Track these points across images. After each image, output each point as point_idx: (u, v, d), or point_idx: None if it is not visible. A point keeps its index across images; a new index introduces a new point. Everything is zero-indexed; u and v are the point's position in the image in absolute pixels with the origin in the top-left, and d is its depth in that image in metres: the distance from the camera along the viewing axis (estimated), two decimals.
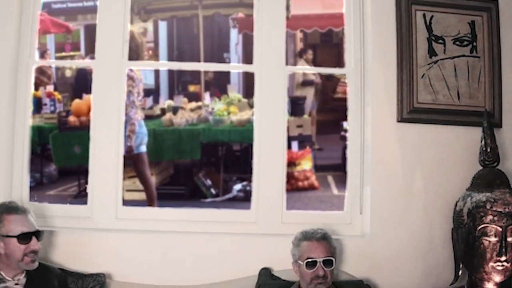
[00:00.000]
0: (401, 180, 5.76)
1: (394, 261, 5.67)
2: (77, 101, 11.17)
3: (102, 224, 5.76)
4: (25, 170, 5.78)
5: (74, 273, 5.37)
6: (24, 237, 4.76)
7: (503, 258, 4.95)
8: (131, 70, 8.50)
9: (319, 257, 4.84)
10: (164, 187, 11.29)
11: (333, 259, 4.90)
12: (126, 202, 5.98)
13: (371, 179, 5.80)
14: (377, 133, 5.69)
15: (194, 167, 11.57)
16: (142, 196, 9.99)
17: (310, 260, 4.87)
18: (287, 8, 5.69)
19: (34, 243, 4.79)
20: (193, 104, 12.44)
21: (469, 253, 5.08)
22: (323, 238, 4.95)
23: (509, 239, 4.92)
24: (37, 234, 4.85)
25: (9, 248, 4.76)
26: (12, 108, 5.69)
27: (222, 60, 10.44)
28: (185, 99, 12.74)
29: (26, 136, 5.81)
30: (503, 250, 4.92)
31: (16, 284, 4.86)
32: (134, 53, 8.01)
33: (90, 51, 5.68)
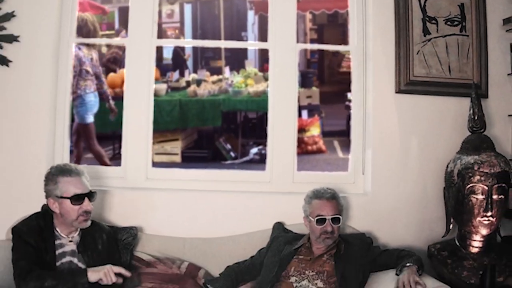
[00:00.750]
0: (398, 144, 5.80)
1: (393, 216, 5.71)
2: (112, 74, 11.20)
3: (134, 183, 5.81)
4: (66, 136, 5.81)
5: (110, 226, 5.39)
6: (77, 198, 4.74)
7: (489, 214, 5.02)
8: (79, 48, 8.53)
9: (328, 215, 4.87)
10: (189, 151, 11.30)
11: (340, 217, 4.93)
12: (155, 164, 6.02)
13: (372, 143, 5.84)
14: (377, 103, 5.72)
15: (216, 133, 11.58)
16: (170, 158, 10.00)
17: (320, 217, 4.90)
18: None
19: (86, 204, 4.79)
20: (215, 77, 12.45)
21: (459, 209, 5.15)
22: (332, 197, 4.98)
23: (494, 196, 5.00)
24: (90, 195, 4.83)
25: (64, 208, 4.75)
26: (55, 80, 5.69)
27: (240, 38, 10.41)
28: (208, 73, 12.75)
29: (66, 105, 5.81)
30: (489, 206, 5.01)
31: (70, 241, 4.88)
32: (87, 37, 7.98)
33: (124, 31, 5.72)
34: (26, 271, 4.70)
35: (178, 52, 13.08)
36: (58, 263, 4.89)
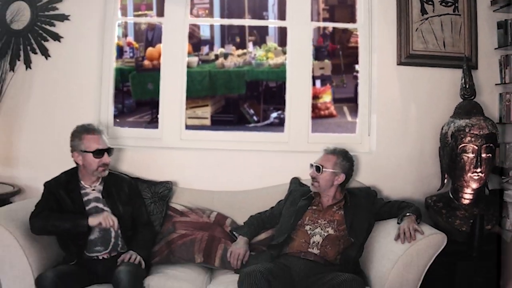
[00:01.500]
0: (400, 109, 5.87)
1: (394, 172, 5.80)
2: (150, 48, 11.29)
3: (169, 143, 5.92)
4: (110, 102, 5.92)
5: (148, 181, 5.54)
6: (98, 153, 4.94)
7: (478, 170, 5.14)
8: None
9: (316, 163, 5.02)
10: (217, 115, 11.36)
11: (320, 166, 5.00)
12: (187, 127, 6.09)
13: (377, 109, 5.92)
14: (381, 74, 5.78)
15: (240, 100, 11.60)
16: (201, 122, 10.06)
17: (310, 164, 5.07)
18: None
19: (105, 158, 5.00)
20: (240, 51, 12.51)
21: (452, 166, 5.24)
22: (332, 151, 5.08)
23: (483, 155, 5.11)
24: (109, 150, 5.02)
25: (86, 161, 4.95)
26: (101, 54, 5.79)
27: (262, 17, 10.46)
28: (234, 47, 12.82)
29: (111, 76, 5.91)
30: (478, 163, 5.11)
31: (93, 190, 5.04)
32: None
33: (160, 11, 5.71)
34: (38, 212, 4.88)
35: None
36: (86, 208, 5.05)
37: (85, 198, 5.08)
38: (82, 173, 5.07)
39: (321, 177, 4.99)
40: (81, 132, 5.11)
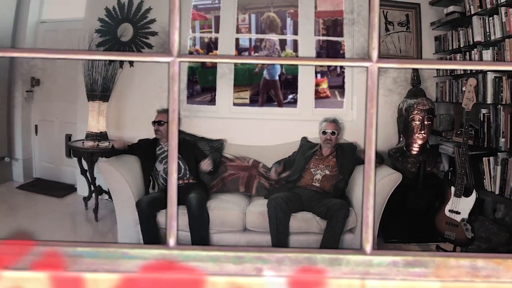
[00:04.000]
0: (391, 82, 5.87)
1: None
2: (210, 53, 11.45)
3: (222, 115, 5.99)
4: (184, 88, 6.13)
5: (208, 139, 5.64)
6: (158, 124, 5.03)
7: (423, 132, 5.24)
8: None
9: (328, 130, 5.05)
10: (253, 96, 11.25)
11: (336, 131, 5.07)
12: (234, 104, 6.17)
13: (356, 92, 5.96)
14: (359, 70, 5.77)
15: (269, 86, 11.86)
16: (243, 101, 10.14)
17: (324, 131, 5.09)
18: (315, 7, 5.89)
19: (162, 127, 5.01)
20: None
21: (405, 129, 5.35)
22: (332, 121, 5.13)
23: (425, 122, 5.21)
24: (159, 123, 5.03)
25: (156, 128, 5.04)
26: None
27: (282, 33, 10.56)
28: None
29: (184, 71, 6.18)
30: (423, 128, 5.23)
31: (166, 145, 5.06)
32: None
33: (217, 29, 5.87)
34: (131, 152, 5.11)
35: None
36: (164, 157, 5.08)
37: (160, 151, 5.12)
38: (163, 138, 5.10)
39: (333, 138, 5.06)
40: (158, 112, 5.15)
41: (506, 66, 2.73)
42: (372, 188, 2.06)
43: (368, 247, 2.06)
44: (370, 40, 1.92)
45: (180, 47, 2.01)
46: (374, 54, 1.92)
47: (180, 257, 2.02)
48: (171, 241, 2.04)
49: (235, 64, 6.25)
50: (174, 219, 2.01)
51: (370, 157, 1.96)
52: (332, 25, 6.83)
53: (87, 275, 2.01)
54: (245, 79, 8.45)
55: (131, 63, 5.78)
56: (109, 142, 5.58)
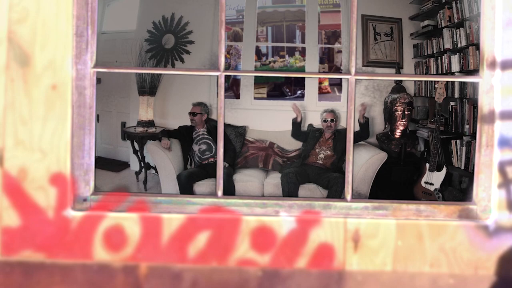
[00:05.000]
0: (363, 89, 5.86)
1: None
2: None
3: (245, 106, 6.02)
4: (213, 84, 5.87)
5: (234, 125, 5.67)
6: (192, 114, 5.18)
7: (404, 120, 5.27)
8: None
9: (328, 118, 5.21)
10: (270, 92, 10.78)
11: (334, 119, 5.21)
12: (255, 98, 6.23)
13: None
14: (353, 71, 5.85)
15: (281, 84, 11.49)
16: (261, 95, 10.19)
17: (325, 119, 5.24)
18: (319, 21, 5.96)
19: (196, 117, 5.18)
20: (281, 59, 12.41)
21: (390, 118, 5.40)
22: (331, 111, 5.26)
23: (406, 113, 5.26)
24: (197, 114, 5.16)
25: (190, 118, 5.18)
26: (208, 60, 5.85)
27: (292, 42, 10.45)
28: (278, 57, 12.67)
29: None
30: (404, 117, 5.26)
31: (201, 130, 5.23)
32: None
33: (240, 39, 6.03)
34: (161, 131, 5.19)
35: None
36: (198, 140, 5.17)
37: (195, 135, 5.19)
38: (198, 125, 5.23)
39: (332, 124, 5.18)
40: (193, 104, 5.28)
41: (437, 78, 3.27)
42: (351, 158, 2.64)
43: (348, 197, 2.65)
44: (350, 61, 2.52)
45: (224, 65, 2.59)
46: (353, 70, 2.52)
47: (225, 204, 2.61)
48: (219, 193, 2.63)
49: (255, 66, 6.33)
50: (221, 177, 2.61)
51: (350, 138, 2.55)
52: (332, 35, 7.11)
53: (164, 215, 2.58)
54: (263, 78, 8.69)
55: (173, 65, 5.86)
56: (155, 128, 5.74)
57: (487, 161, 2.50)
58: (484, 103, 2.53)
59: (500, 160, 2.48)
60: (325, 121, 5.30)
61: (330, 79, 7.05)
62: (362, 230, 2.44)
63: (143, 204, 2.44)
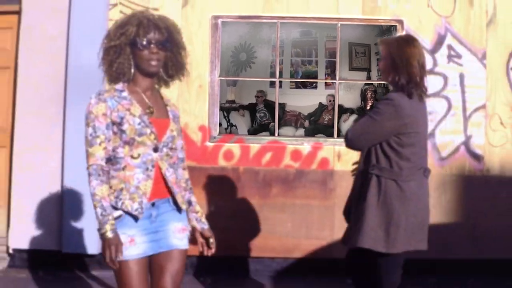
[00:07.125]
0: (351, 85, 7.43)
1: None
2: None
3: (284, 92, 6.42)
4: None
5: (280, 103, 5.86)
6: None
7: (370, 103, 6.58)
8: None
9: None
10: None
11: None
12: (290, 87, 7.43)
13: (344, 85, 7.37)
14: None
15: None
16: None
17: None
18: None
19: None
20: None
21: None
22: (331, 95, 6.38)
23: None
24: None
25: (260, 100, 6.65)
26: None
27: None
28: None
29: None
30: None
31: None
32: None
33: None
34: None
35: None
36: (258, 110, 6.64)
37: (258, 108, 6.61)
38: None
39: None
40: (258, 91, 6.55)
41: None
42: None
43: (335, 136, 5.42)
44: (336, 71, 5.29)
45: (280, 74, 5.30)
46: (337, 77, 5.31)
47: (279, 140, 5.43)
48: (276, 134, 5.44)
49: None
50: (276, 129, 5.40)
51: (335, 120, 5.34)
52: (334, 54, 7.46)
53: (250, 144, 5.32)
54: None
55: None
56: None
57: None
58: None
59: None
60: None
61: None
62: (342, 151, 5.20)
63: (240, 139, 5.24)
